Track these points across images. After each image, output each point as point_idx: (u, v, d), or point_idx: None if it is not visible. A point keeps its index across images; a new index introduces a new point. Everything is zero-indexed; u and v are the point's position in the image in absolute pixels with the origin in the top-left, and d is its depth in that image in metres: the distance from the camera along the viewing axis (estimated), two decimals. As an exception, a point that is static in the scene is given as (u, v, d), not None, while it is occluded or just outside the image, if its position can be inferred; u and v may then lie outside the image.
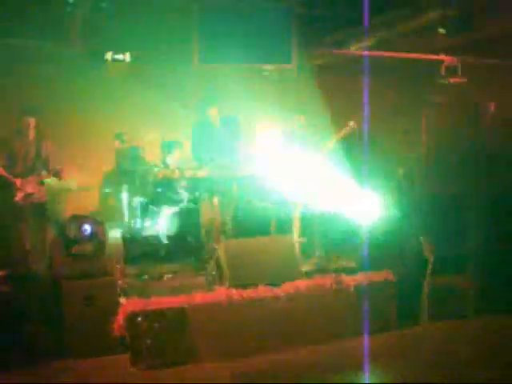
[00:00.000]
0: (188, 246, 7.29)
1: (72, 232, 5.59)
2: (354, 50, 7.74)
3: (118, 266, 5.90)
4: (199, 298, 5.20)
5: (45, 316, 5.30)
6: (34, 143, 6.61)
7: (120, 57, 7.93)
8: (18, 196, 6.47)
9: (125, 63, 7.95)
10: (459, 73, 8.23)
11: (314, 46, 7.78)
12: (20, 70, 7.88)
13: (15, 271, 5.88)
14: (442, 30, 6.29)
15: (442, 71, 8.32)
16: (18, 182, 6.46)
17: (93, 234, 5.67)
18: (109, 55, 7.97)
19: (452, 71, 8.27)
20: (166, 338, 4.99)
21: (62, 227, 5.70)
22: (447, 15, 6.51)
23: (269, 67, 7.56)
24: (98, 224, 5.84)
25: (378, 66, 8.71)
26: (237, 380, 4.79)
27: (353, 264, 6.54)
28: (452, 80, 8.29)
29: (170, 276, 6.29)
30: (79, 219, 5.71)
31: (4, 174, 6.55)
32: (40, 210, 6.66)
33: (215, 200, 6.26)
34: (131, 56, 7.89)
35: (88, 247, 5.66)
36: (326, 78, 9.40)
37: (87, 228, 5.65)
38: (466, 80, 8.23)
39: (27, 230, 6.60)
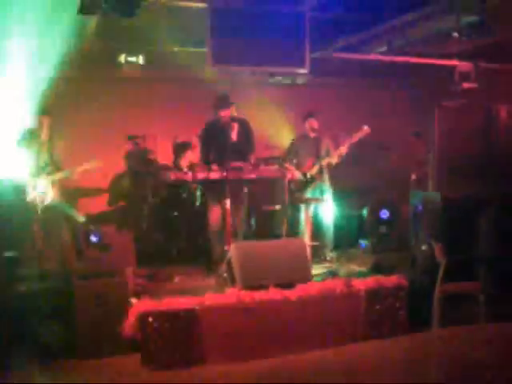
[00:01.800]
0: (199, 247, 7.33)
1: (83, 239, 5.65)
2: (366, 53, 7.72)
3: (129, 267, 5.91)
4: (210, 299, 5.20)
5: (56, 315, 5.32)
6: (46, 143, 6.64)
7: (133, 59, 7.98)
8: (31, 195, 6.51)
9: (138, 65, 7.99)
10: (472, 78, 8.21)
11: (327, 49, 7.77)
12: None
13: (28, 271, 5.92)
14: (455, 35, 6.26)
15: (456, 76, 8.29)
16: (31, 181, 6.51)
17: (104, 238, 5.71)
18: (122, 57, 8.02)
19: (465, 76, 8.25)
20: (177, 339, 4.98)
21: (74, 232, 5.75)
22: (461, 20, 6.48)
23: (282, 71, 7.56)
24: (109, 226, 5.89)
25: (390, 69, 8.72)
26: (247, 382, 4.78)
27: (363, 268, 6.53)
28: (465, 85, 8.27)
29: (181, 277, 6.30)
30: (90, 227, 5.77)
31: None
32: (52, 210, 6.70)
33: (227, 202, 6.25)
34: (144, 58, 7.93)
35: (100, 248, 5.70)
36: (337, 81, 9.43)
37: (98, 236, 5.70)
38: (478, 86, 8.21)
39: (39, 229, 6.64)
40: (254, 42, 6.45)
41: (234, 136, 6.49)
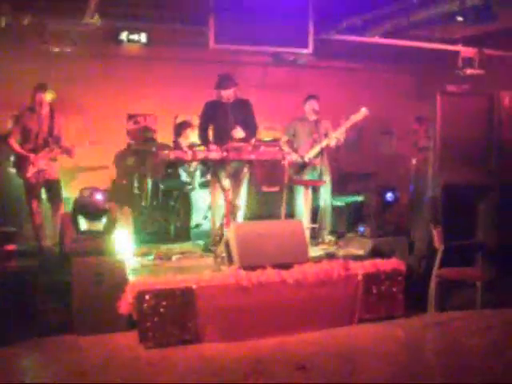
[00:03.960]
0: (198, 227, 7.34)
1: (84, 200, 5.61)
2: (369, 36, 7.66)
3: (128, 245, 5.91)
4: (207, 278, 5.21)
5: (54, 292, 5.33)
6: (46, 120, 6.62)
7: (135, 37, 7.94)
8: (31, 172, 6.50)
9: (140, 43, 7.96)
10: (476, 64, 8.17)
11: (330, 31, 7.71)
12: (35, 48, 7.88)
13: (26, 246, 5.93)
14: (460, 19, 6.22)
15: (459, 62, 8.25)
16: (31, 158, 6.50)
17: (104, 209, 5.69)
18: (124, 35, 7.98)
19: (469, 62, 8.21)
20: (174, 317, 5.00)
21: (75, 199, 5.73)
22: (466, 5, 6.43)
23: (285, 51, 7.49)
24: (109, 201, 5.86)
25: (393, 52, 8.67)
26: (242, 361, 4.80)
27: (361, 251, 6.53)
28: (468, 71, 8.23)
29: (179, 256, 6.31)
30: (91, 189, 5.74)
31: (17, 149, 6.58)
32: (52, 186, 6.70)
33: (226, 182, 6.23)
34: (147, 36, 7.89)
35: (99, 224, 5.69)
36: (339, 64, 9.40)
37: (99, 196, 5.67)
38: (482, 72, 8.17)
39: (39, 205, 6.64)
40: (257, 22, 6.39)
41: (234, 116, 6.43)
